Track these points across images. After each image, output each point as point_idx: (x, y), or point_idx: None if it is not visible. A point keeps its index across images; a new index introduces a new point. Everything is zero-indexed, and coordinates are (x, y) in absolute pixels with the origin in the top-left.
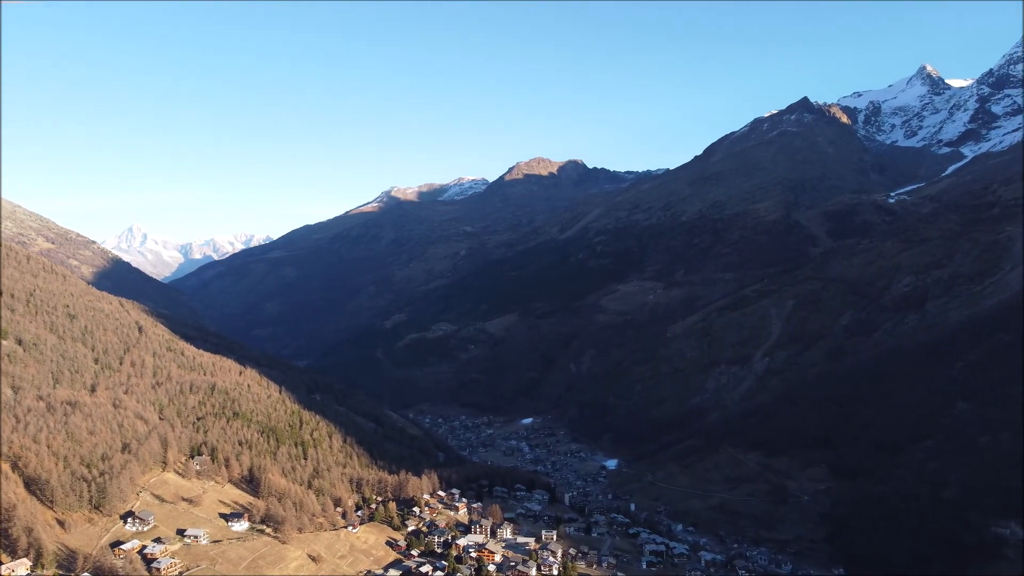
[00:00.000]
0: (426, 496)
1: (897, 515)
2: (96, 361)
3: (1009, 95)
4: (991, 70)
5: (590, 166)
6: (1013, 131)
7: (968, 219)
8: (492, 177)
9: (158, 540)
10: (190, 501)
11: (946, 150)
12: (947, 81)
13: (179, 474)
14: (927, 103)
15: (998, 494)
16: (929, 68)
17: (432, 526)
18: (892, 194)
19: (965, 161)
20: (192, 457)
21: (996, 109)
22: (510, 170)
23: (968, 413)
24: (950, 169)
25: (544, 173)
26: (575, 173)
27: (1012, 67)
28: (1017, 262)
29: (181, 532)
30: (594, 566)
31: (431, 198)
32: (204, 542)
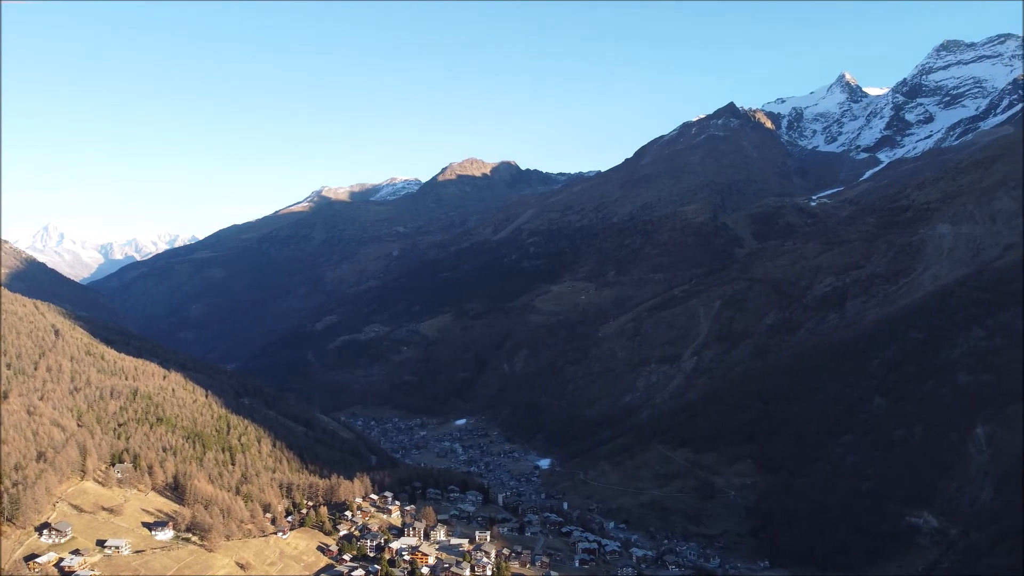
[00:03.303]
0: (358, 500)
1: (818, 507)
2: (8, 367)
3: (921, 103)
4: (905, 79)
5: (523, 167)
6: (925, 138)
7: (884, 222)
8: (425, 178)
9: (76, 552)
10: (111, 510)
11: (864, 155)
12: (864, 89)
13: (99, 483)
14: (846, 110)
15: (912, 485)
16: (848, 76)
17: (364, 530)
18: (813, 197)
19: (881, 166)
20: (113, 465)
21: (909, 117)
22: (443, 171)
23: (884, 408)
24: (867, 174)
25: (477, 174)
26: (508, 174)
27: (924, 77)
28: (929, 263)
29: (101, 543)
30: (527, 565)
31: (363, 198)
32: (126, 552)
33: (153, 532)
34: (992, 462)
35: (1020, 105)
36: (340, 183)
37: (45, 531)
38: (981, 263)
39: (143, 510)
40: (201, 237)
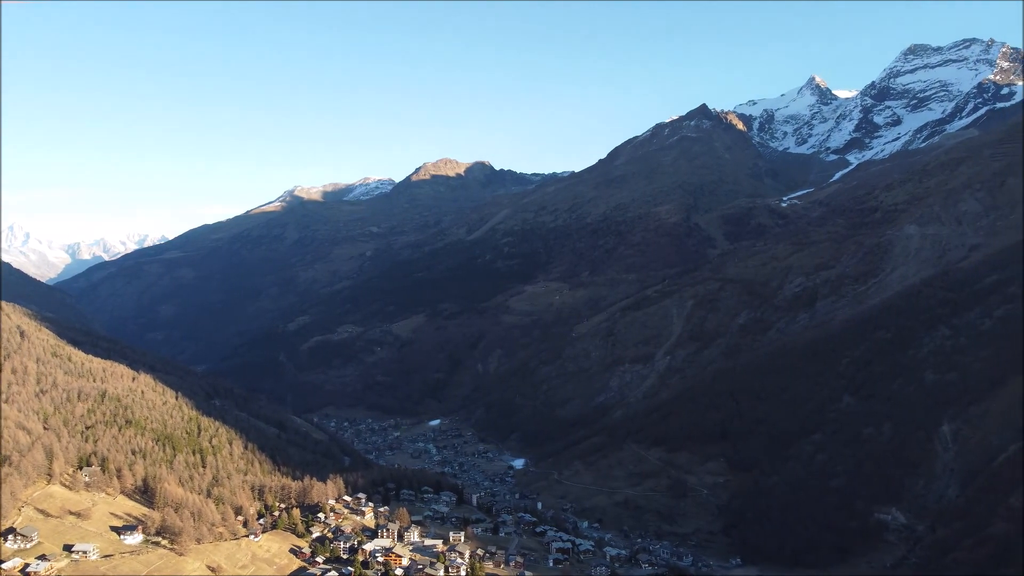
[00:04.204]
0: (331, 501)
1: (788, 505)
2: None
3: (889, 106)
4: (873, 83)
5: (497, 167)
6: (893, 140)
7: (853, 223)
8: (399, 177)
9: (43, 557)
10: (78, 515)
11: (833, 157)
12: (834, 92)
13: (66, 486)
14: (816, 112)
15: (880, 483)
16: (818, 79)
17: (338, 532)
18: (784, 199)
19: (850, 168)
20: (80, 468)
21: (878, 120)
22: (417, 171)
23: (853, 406)
24: (837, 175)
25: (451, 174)
26: (482, 174)
27: (892, 80)
28: (897, 264)
29: (68, 548)
30: (501, 566)
31: (336, 198)
32: (94, 557)
33: (122, 536)
34: (957, 459)
35: (985, 108)
36: (313, 183)
37: (10, 536)
38: (947, 264)
39: (112, 514)
40: (171, 237)
